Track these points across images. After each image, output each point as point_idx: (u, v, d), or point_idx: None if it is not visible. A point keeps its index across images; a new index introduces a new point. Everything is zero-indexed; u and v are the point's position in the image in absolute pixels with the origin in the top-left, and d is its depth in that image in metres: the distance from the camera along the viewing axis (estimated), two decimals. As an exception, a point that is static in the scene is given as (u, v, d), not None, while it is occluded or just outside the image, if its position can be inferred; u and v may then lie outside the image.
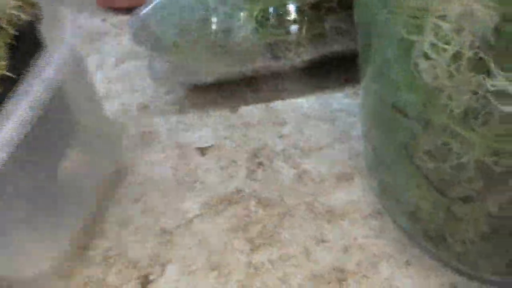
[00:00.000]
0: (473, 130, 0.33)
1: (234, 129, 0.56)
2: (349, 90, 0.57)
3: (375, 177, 0.45)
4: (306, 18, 0.51)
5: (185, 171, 0.53)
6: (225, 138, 0.55)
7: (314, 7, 0.51)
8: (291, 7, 0.51)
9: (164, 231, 0.48)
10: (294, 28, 0.52)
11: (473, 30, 0.31)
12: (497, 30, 0.30)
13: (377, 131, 0.40)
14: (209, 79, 0.57)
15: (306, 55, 0.53)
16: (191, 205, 0.50)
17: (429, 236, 0.42)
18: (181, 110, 0.59)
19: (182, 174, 0.53)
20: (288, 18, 0.51)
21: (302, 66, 0.55)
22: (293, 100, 0.57)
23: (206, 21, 0.52)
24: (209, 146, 0.55)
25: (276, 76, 0.58)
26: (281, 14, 0.51)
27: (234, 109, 0.57)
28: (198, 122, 0.57)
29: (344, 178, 0.49)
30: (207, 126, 0.56)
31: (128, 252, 0.47)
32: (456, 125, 0.34)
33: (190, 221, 0.49)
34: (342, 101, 0.56)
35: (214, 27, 0.52)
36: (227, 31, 0.52)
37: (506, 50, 0.30)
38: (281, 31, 0.52)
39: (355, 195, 0.48)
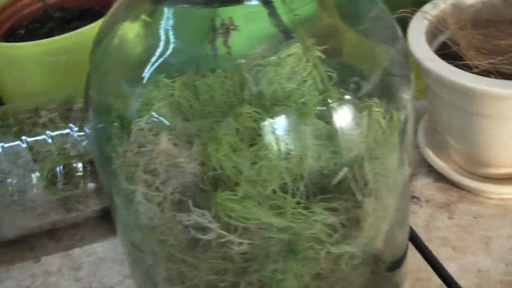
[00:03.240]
0: (196, 256, 0.41)
1: (36, 277, 0.61)
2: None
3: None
4: (89, 173, 0.59)
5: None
6: (27, 286, 0.60)
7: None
8: (76, 165, 0.59)
9: None
10: (80, 183, 0.59)
11: (178, 178, 0.39)
12: (197, 177, 0.39)
13: (130, 267, 0.47)
14: (13, 234, 0.63)
15: (94, 205, 0.61)
16: None
17: None
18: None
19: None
20: (74, 174, 0.59)
21: (95, 215, 0.62)
22: (90, 246, 0.63)
23: (2, 183, 0.59)
24: (12, 296, 0.59)
25: (73, 226, 0.64)
26: (68, 171, 0.59)
27: (36, 259, 0.63)
28: (3, 275, 0.62)
29: (129, 311, 0.56)
30: (11, 278, 0.61)
31: None
32: (181, 254, 0.42)
33: None
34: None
35: (10, 188, 0.59)
36: (22, 191, 0.59)
37: (202, 191, 0.39)
38: (69, 186, 0.59)
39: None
